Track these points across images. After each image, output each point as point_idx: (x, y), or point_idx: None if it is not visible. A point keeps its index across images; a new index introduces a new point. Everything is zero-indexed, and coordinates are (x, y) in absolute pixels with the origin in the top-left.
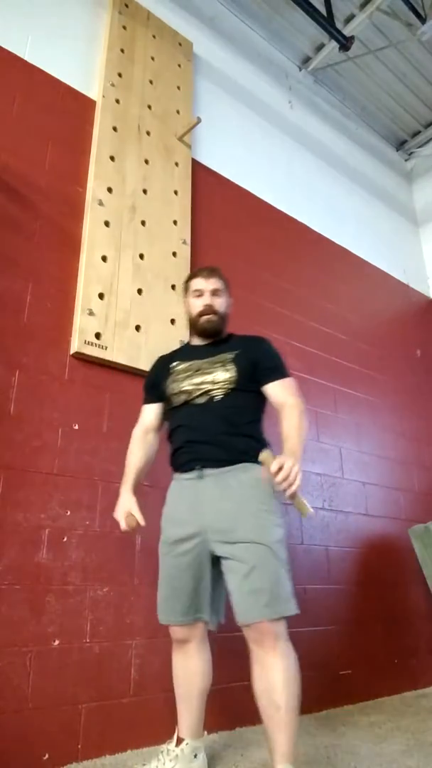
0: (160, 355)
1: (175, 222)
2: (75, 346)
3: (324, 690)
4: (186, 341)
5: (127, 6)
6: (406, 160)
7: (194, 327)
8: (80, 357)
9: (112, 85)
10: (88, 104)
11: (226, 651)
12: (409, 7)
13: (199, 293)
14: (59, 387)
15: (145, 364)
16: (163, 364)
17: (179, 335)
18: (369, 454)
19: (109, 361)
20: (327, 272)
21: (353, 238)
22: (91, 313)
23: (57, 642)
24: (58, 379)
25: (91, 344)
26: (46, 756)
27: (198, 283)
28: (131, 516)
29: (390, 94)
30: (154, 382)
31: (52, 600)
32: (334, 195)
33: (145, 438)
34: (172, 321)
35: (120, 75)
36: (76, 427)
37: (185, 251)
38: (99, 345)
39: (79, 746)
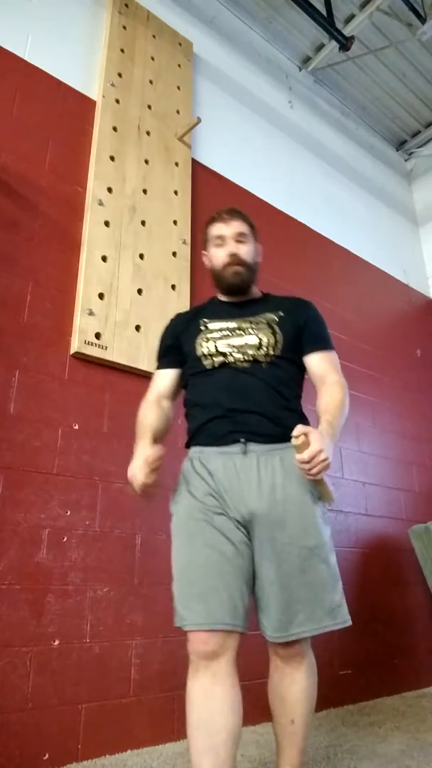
0: (178, 312)
1: (175, 222)
2: (75, 346)
3: (324, 690)
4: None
5: (127, 6)
6: (406, 160)
7: (220, 282)
8: (80, 357)
9: (112, 85)
10: (88, 104)
11: None
12: (409, 7)
13: (221, 241)
14: (59, 387)
15: (145, 364)
16: (187, 322)
17: None
18: (369, 454)
19: (109, 361)
20: (327, 272)
21: (353, 238)
22: (91, 313)
23: (57, 642)
24: (58, 379)
25: (91, 344)
26: (46, 756)
27: (218, 228)
28: (151, 471)
29: (390, 94)
30: (175, 343)
31: (52, 600)
32: (334, 195)
33: (159, 404)
34: None
35: (120, 75)
36: (76, 427)
37: (185, 251)
38: (99, 345)
39: (79, 746)
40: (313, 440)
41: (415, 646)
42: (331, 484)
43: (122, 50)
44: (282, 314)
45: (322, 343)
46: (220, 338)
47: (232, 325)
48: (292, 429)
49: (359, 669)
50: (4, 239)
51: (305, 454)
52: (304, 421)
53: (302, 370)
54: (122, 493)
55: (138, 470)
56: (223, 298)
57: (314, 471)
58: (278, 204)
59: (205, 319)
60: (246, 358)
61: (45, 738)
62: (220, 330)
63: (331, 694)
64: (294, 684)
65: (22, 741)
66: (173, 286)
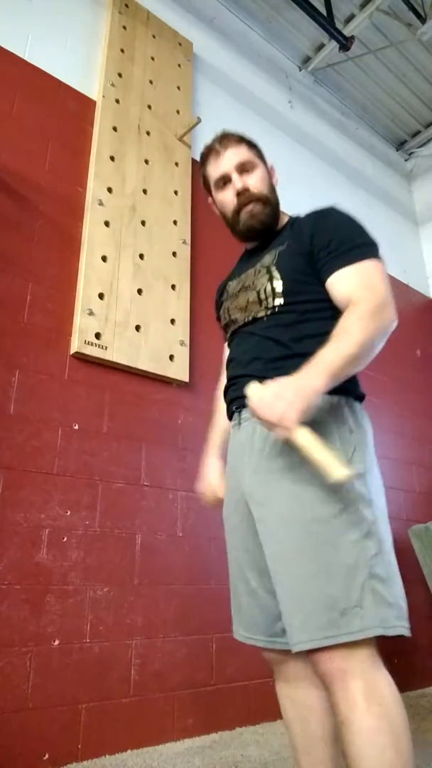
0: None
1: (175, 222)
2: (75, 346)
3: None
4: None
5: (127, 6)
6: (406, 160)
7: (235, 230)
8: (80, 357)
9: (112, 85)
10: (88, 104)
11: (225, 650)
12: (409, 7)
13: (224, 179)
14: (59, 387)
15: (145, 364)
16: (222, 288)
17: (179, 335)
18: None
19: (109, 361)
20: None
21: None
22: (91, 313)
23: (57, 642)
24: (58, 379)
25: (91, 344)
26: (46, 756)
27: (214, 166)
28: (213, 492)
29: (390, 94)
30: (218, 314)
31: (52, 600)
32: (334, 195)
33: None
34: (172, 321)
35: (120, 75)
36: (76, 427)
37: (185, 251)
38: (99, 345)
39: (79, 746)
40: (263, 388)
41: (415, 646)
42: (335, 458)
43: (122, 50)
44: (284, 247)
45: (337, 261)
46: (232, 300)
47: (243, 281)
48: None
49: None
50: (4, 239)
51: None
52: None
53: (324, 299)
54: (122, 493)
55: (204, 490)
56: (247, 245)
57: (268, 419)
58: None
59: (229, 282)
60: (249, 318)
61: (45, 738)
62: (234, 292)
63: None
64: (344, 725)
65: (22, 741)
66: (173, 286)
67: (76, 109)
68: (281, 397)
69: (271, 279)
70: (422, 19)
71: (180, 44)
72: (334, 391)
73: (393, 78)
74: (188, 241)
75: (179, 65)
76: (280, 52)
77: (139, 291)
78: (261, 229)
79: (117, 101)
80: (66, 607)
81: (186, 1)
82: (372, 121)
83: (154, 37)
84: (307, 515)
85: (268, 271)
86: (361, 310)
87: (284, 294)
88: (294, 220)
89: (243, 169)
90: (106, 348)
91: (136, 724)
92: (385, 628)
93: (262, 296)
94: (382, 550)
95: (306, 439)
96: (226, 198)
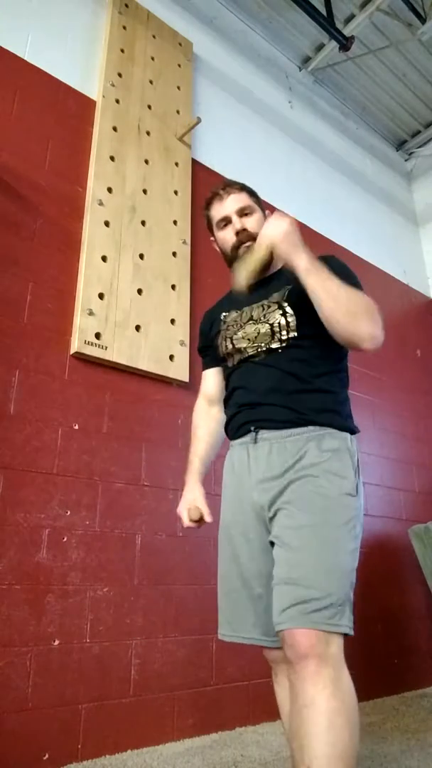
0: (206, 310)
1: (175, 222)
2: (75, 346)
3: None
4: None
5: (127, 6)
6: (406, 160)
7: (233, 266)
8: (80, 357)
9: (112, 85)
10: (88, 104)
11: (225, 650)
12: (409, 7)
13: (225, 221)
14: (59, 387)
15: (145, 364)
16: (211, 321)
17: (179, 335)
18: (369, 454)
19: (109, 361)
20: None
21: (353, 238)
22: (91, 313)
23: (57, 642)
24: (58, 379)
25: (91, 344)
26: (46, 756)
27: (217, 209)
28: (196, 509)
29: (390, 94)
30: (207, 343)
31: (52, 600)
32: (334, 195)
33: (209, 413)
34: (172, 321)
35: (120, 75)
36: (76, 427)
37: (185, 251)
38: (99, 345)
39: (79, 746)
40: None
41: (415, 646)
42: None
43: (122, 50)
44: (291, 286)
45: None
46: (236, 331)
47: (246, 313)
48: (317, 411)
49: (359, 669)
50: (4, 239)
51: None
52: (329, 398)
53: (334, 342)
54: (122, 493)
55: (183, 512)
56: None
57: (263, 241)
58: (278, 204)
59: (224, 313)
60: (260, 349)
61: (45, 738)
62: (235, 322)
63: None
64: (308, 707)
65: (22, 741)
66: (173, 286)
67: (76, 109)
68: (289, 236)
69: (284, 314)
70: (422, 19)
71: (180, 44)
72: (345, 429)
73: (393, 78)
74: (188, 241)
75: (179, 65)
76: (280, 52)
77: (139, 291)
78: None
79: (117, 101)
80: (66, 607)
81: (186, 1)
82: (372, 121)
83: (154, 37)
84: (324, 518)
85: (280, 307)
86: (365, 302)
87: (297, 328)
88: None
89: (242, 213)
90: (106, 348)
91: (136, 724)
92: (350, 629)
93: (276, 329)
94: (355, 566)
95: (261, 254)
96: (227, 236)
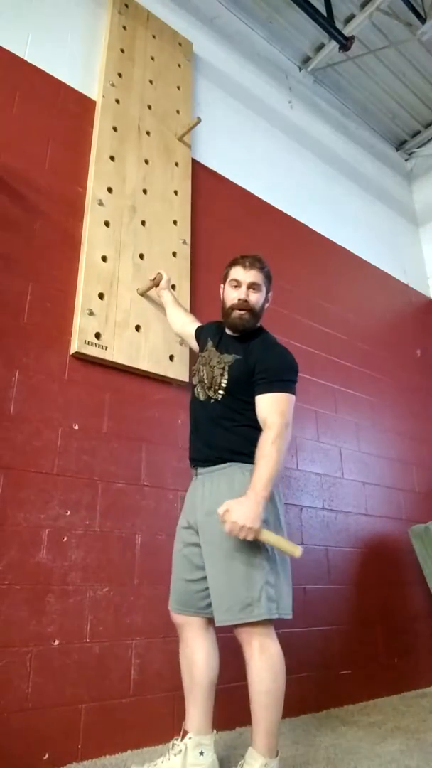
0: (207, 323)
1: (175, 222)
2: (75, 346)
3: (324, 690)
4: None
5: (127, 6)
6: (406, 160)
7: (225, 318)
8: (80, 357)
9: (112, 85)
10: (88, 104)
11: (225, 651)
12: (409, 7)
13: (237, 284)
14: (59, 387)
15: (145, 364)
16: (206, 335)
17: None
18: (369, 454)
19: (109, 361)
20: (327, 272)
21: (353, 238)
22: (91, 313)
23: (57, 642)
24: (58, 379)
25: (91, 344)
26: (46, 756)
27: (237, 272)
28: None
29: (390, 94)
30: (197, 337)
31: (52, 600)
32: (334, 195)
33: (186, 316)
34: None
35: (120, 75)
36: (76, 427)
37: (185, 251)
38: (99, 345)
39: (79, 746)
40: (231, 511)
41: (415, 646)
42: (287, 540)
43: (122, 50)
44: (239, 357)
45: (264, 386)
46: (202, 366)
47: (213, 355)
48: (234, 452)
49: (359, 669)
50: (4, 239)
51: (225, 527)
52: (247, 443)
53: (252, 401)
54: (122, 493)
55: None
56: (227, 328)
57: (242, 536)
58: (278, 204)
59: (208, 338)
60: (205, 393)
61: (45, 738)
62: (206, 359)
63: (331, 694)
64: (250, 669)
65: (22, 741)
66: (173, 286)
67: (76, 109)
68: (244, 515)
69: (222, 374)
70: (422, 19)
71: (180, 44)
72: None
73: (393, 78)
74: (188, 241)
75: (179, 65)
76: (280, 52)
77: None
78: (242, 330)
79: (117, 101)
80: (66, 607)
81: (186, 1)
82: (372, 121)
83: (154, 37)
84: (233, 545)
85: (224, 369)
86: (273, 434)
87: (227, 390)
88: (257, 334)
89: (252, 286)
90: (106, 348)
91: (136, 724)
92: (270, 614)
93: (215, 383)
94: (273, 569)
95: (267, 535)
96: (231, 295)
